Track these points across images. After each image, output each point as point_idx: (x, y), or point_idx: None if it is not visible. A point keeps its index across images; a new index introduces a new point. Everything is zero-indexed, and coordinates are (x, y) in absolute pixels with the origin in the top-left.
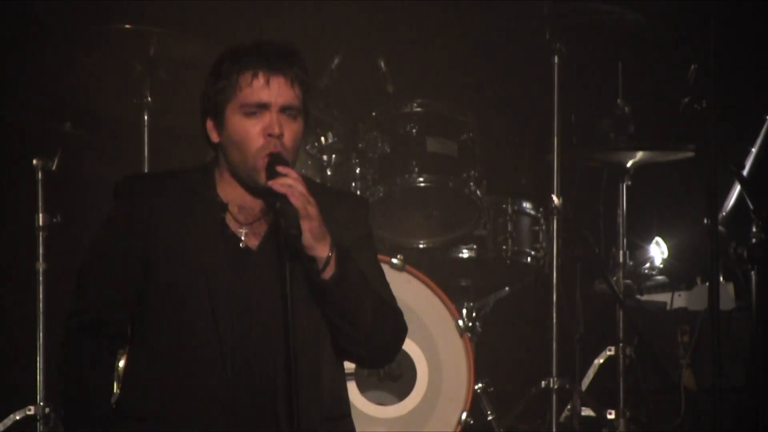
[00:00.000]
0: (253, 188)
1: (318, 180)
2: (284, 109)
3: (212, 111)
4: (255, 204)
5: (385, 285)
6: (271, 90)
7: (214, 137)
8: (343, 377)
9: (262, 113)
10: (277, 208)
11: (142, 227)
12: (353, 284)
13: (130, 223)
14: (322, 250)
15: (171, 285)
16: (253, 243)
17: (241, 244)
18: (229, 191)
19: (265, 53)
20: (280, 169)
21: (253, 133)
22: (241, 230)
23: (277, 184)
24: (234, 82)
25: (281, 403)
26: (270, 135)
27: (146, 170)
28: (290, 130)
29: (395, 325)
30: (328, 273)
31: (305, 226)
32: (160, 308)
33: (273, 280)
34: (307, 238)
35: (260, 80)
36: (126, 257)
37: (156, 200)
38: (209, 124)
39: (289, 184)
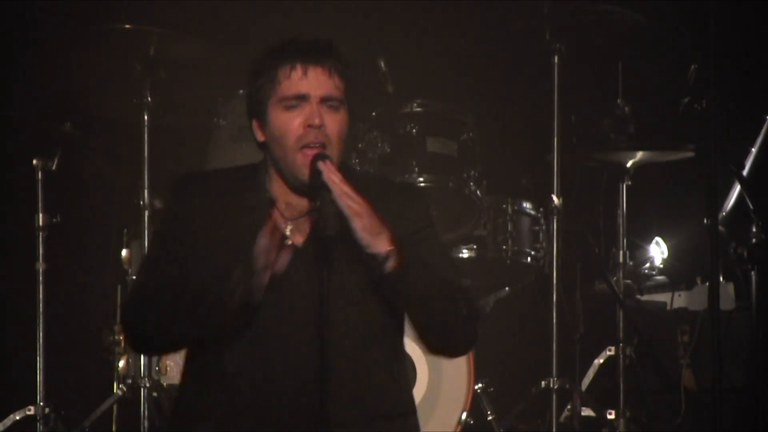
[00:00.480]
0: (296, 185)
1: None
2: (325, 100)
3: (256, 110)
4: (300, 201)
5: (456, 273)
6: (309, 81)
7: (260, 136)
8: (403, 374)
9: (302, 105)
10: (315, 206)
11: (194, 222)
12: (417, 275)
13: (183, 218)
14: (381, 245)
15: (218, 280)
16: (299, 240)
17: (287, 241)
18: (277, 188)
19: (302, 46)
20: (322, 165)
21: (293, 126)
22: (287, 227)
23: (324, 179)
24: (273, 77)
25: (326, 405)
26: (310, 126)
27: (146, 170)
28: (333, 121)
29: (468, 311)
30: (390, 267)
31: (357, 224)
32: None
33: (317, 279)
34: (362, 236)
35: (298, 72)
36: (181, 248)
37: (207, 196)
38: (255, 123)
39: (334, 180)
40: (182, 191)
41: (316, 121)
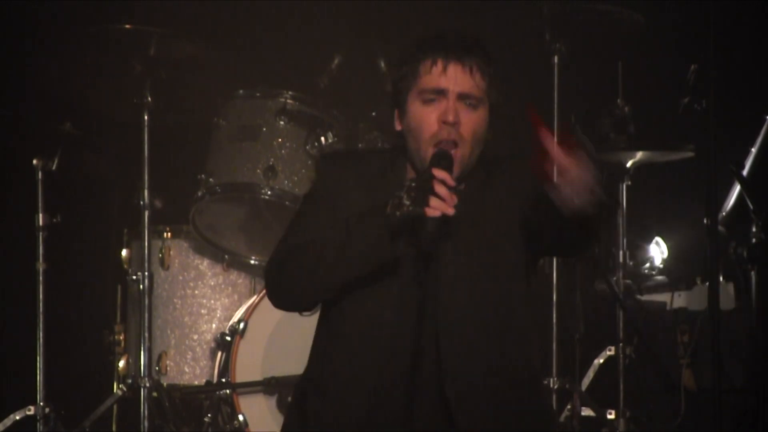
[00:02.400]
0: None
1: None
2: (462, 97)
3: (396, 99)
4: None
5: None
6: (448, 77)
7: (397, 125)
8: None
9: (440, 100)
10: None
11: (339, 195)
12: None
13: (330, 188)
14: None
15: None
16: None
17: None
18: (411, 177)
19: (446, 41)
20: (438, 173)
21: (429, 120)
22: None
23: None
24: (414, 70)
25: (446, 400)
26: (444, 122)
27: (146, 170)
28: (469, 120)
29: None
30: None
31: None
32: None
33: (439, 276)
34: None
35: (438, 67)
36: (327, 212)
37: (353, 173)
38: (396, 113)
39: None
40: (330, 165)
41: (450, 118)
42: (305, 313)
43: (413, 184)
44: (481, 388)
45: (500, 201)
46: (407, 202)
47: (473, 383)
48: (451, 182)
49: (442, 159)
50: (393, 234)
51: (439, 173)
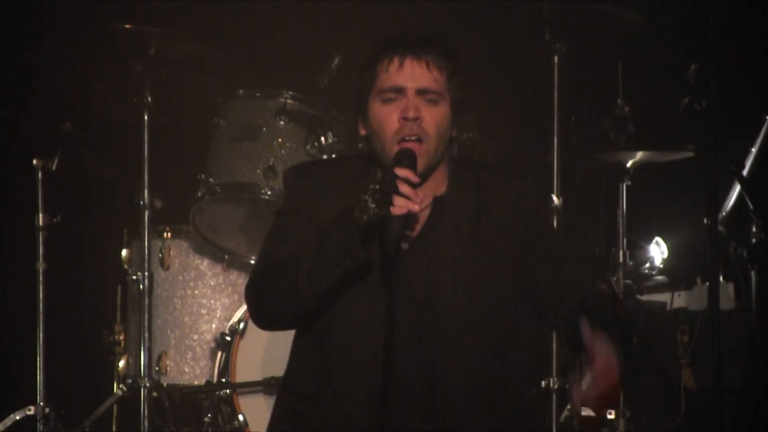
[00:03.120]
0: None
1: None
2: (422, 93)
3: (358, 104)
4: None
5: (595, 274)
6: (405, 73)
7: (362, 130)
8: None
9: (399, 98)
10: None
11: (311, 206)
12: None
13: (301, 201)
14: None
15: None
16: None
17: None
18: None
19: (401, 38)
20: (398, 171)
21: (390, 119)
22: None
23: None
24: (373, 71)
25: (437, 404)
26: (405, 119)
27: (146, 170)
28: (430, 115)
29: (621, 324)
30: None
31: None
32: None
33: (424, 280)
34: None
35: (395, 64)
36: (300, 225)
37: (320, 183)
38: (359, 119)
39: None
40: (300, 178)
41: (411, 114)
42: None
43: (377, 187)
44: (462, 391)
45: (496, 220)
46: (372, 205)
47: (460, 385)
48: (415, 179)
49: (405, 157)
50: (362, 238)
51: (401, 171)
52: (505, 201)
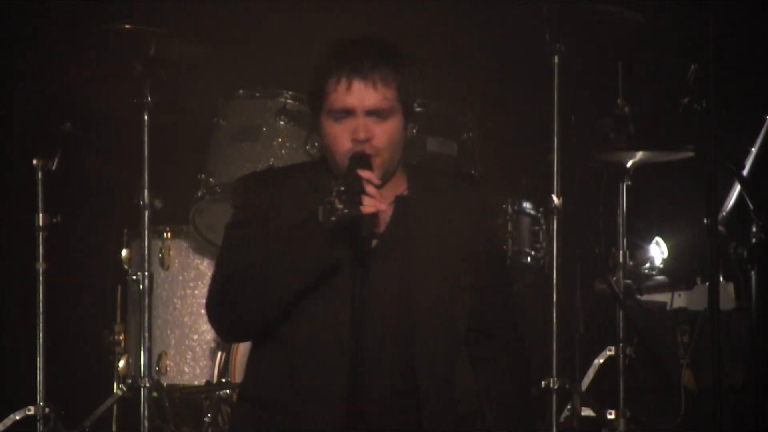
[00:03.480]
0: None
1: None
2: (370, 113)
3: (312, 115)
4: None
5: (513, 314)
6: (353, 95)
7: (319, 137)
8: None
9: (349, 118)
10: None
11: (267, 219)
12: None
13: (252, 211)
14: None
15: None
16: (373, 242)
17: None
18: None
19: (348, 57)
20: (362, 173)
21: (341, 139)
22: None
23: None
24: (321, 89)
25: (403, 404)
26: (356, 140)
27: (146, 170)
28: (381, 132)
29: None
30: None
31: None
32: None
33: (391, 279)
34: None
35: (342, 86)
36: (253, 236)
37: (273, 192)
38: (315, 124)
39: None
40: (252, 187)
41: (361, 136)
42: None
43: (342, 188)
44: (440, 388)
45: (453, 221)
46: (340, 206)
47: (437, 382)
48: (376, 180)
49: (360, 161)
50: (330, 240)
51: (364, 173)
52: (461, 204)
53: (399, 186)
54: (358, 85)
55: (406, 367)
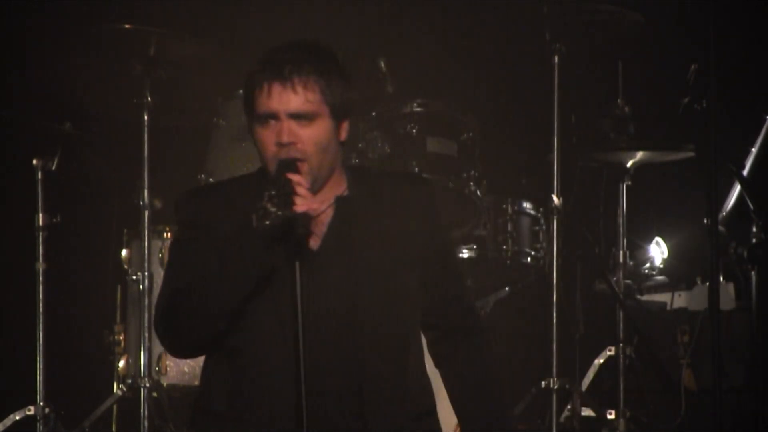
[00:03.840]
0: None
1: None
2: (294, 116)
3: (247, 121)
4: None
5: (465, 290)
6: (274, 99)
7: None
8: (425, 371)
9: (274, 122)
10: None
11: (212, 232)
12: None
13: (196, 226)
14: None
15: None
16: (313, 244)
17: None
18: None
19: (272, 62)
20: (291, 176)
21: (268, 143)
22: None
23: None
24: (249, 95)
25: (351, 404)
26: (279, 144)
27: (146, 170)
28: (306, 135)
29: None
30: None
31: None
32: None
33: (335, 280)
34: None
35: (265, 91)
36: (197, 252)
37: (215, 205)
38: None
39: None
40: (196, 202)
41: (284, 139)
42: None
43: (273, 192)
44: (387, 388)
45: (396, 220)
46: (273, 209)
47: (385, 382)
48: (306, 184)
49: (288, 165)
50: (266, 244)
51: (293, 177)
52: (404, 204)
53: (339, 188)
54: (278, 89)
55: (352, 369)
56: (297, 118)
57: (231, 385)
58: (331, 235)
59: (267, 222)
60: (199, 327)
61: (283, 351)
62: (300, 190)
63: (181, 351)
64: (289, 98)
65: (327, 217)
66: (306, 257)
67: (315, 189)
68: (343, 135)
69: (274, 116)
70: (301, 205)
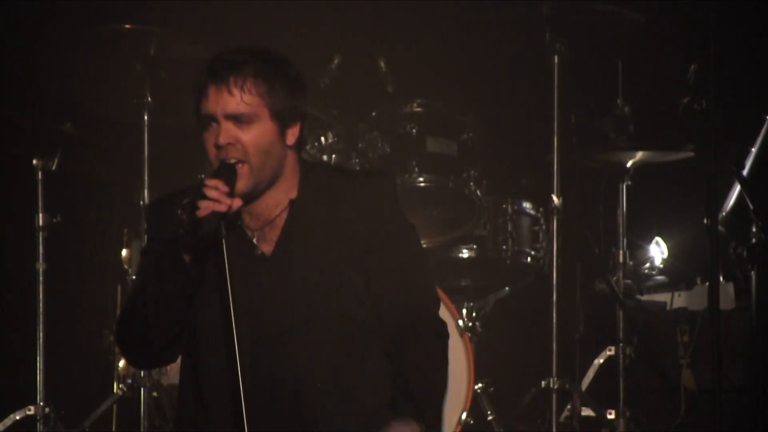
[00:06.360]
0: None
1: None
2: (231, 118)
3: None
4: (263, 210)
5: (424, 280)
6: (211, 101)
7: None
8: (376, 372)
9: (213, 125)
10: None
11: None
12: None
13: (155, 243)
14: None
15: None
16: (268, 249)
17: (257, 251)
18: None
19: (211, 65)
20: (208, 181)
21: (209, 145)
22: (253, 236)
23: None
24: (196, 98)
25: (305, 406)
26: (217, 146)
27: (146, 170)
28: (246, 137)
29: (441, 346)
30: None
31: None
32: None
33: (288, 283)
34: None
35: (204, 93)
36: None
37: (171, 217)
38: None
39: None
40: (162, 213)
41: (221, 141)
42: None
43: (186, 201)
44: (327, 389)
45: (348, 221)
46: (184, 217)
47: (325, 383)
48: (224, 188)
49: (223, 169)
50: (188, 252)
51: (210, 182)
52: (352, 200)
53: (291, 189)
54: (215, 91)
55: (293, 371)
56: (235, 119)
57: (192, 392)
58: (285, 238)
59: (181, 230)
60: (146, 337)
61: (228, 357)
62: (210, 192)
63: (138, 361)
64: (226, 100)
65: (282, 221)
66: (259, 261)
67: (259, 191)
68: (291, 139)
69: (213, 118)
70: (205, 208)
